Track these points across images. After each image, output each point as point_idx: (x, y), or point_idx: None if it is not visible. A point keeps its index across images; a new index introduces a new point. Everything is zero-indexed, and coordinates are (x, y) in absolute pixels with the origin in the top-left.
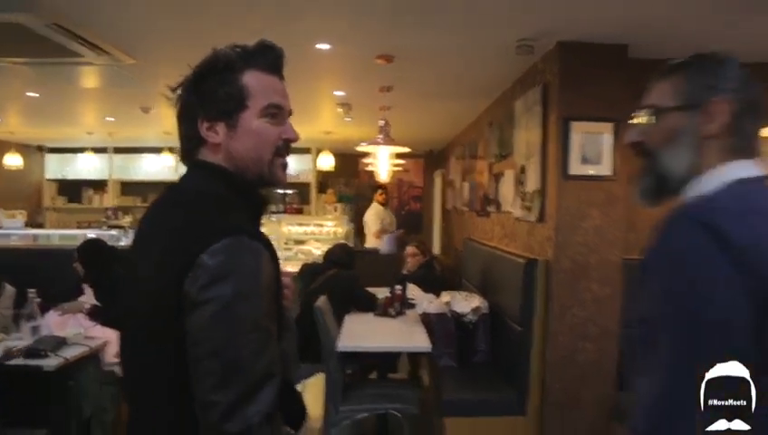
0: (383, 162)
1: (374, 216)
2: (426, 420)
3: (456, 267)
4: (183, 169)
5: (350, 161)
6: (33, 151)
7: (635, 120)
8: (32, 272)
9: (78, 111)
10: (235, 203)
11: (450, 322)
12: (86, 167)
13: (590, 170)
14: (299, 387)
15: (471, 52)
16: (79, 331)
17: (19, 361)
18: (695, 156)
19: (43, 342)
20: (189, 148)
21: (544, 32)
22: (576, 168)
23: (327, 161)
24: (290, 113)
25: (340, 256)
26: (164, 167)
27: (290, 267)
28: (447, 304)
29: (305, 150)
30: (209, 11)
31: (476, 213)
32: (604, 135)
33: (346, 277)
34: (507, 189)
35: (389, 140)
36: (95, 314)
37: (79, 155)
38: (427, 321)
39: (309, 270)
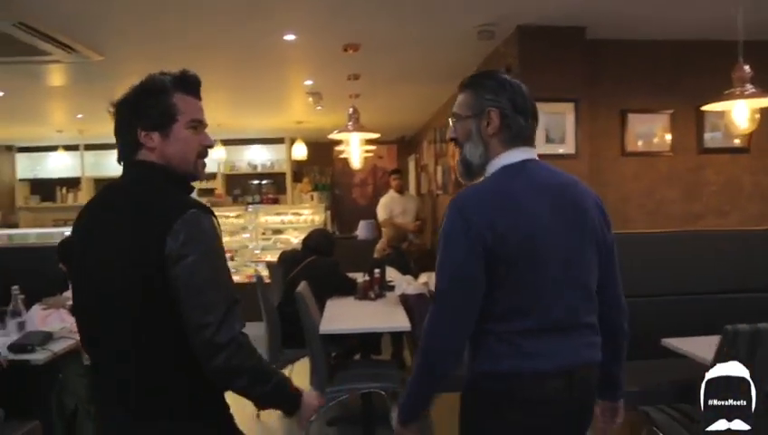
0: (355, 149)
1: (382, 206)
2: None
3: (433, 249)
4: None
5: (323, 150)
6: (3, 151)
7: (450, 122)
8: (10, 271)
9: (47, 109)
10: (175, 189)
11: (429, 302)
12: (58, 165)
13: (559, 149)
14: (286, 371)
15: (434, 38)
16: (63, 325)
17: (8, 355)
18: (484, 149)
19: (30, 337)
20: (128, 151)
21: (504, 17)
22: (541, 148)
23: (301, 151)
24: (206, 126)
25: (318, 242)
26: None
27: (269, 256)
28: (426, 284)
29: (279, 141)
30: (177, 8)
31: (450, 195)
32: (566, 115)
33: (326, 263)
34: None
35: (359, 127)
36: None
37: (50, 154)
38: (406, 302)
39: (288, 258)
